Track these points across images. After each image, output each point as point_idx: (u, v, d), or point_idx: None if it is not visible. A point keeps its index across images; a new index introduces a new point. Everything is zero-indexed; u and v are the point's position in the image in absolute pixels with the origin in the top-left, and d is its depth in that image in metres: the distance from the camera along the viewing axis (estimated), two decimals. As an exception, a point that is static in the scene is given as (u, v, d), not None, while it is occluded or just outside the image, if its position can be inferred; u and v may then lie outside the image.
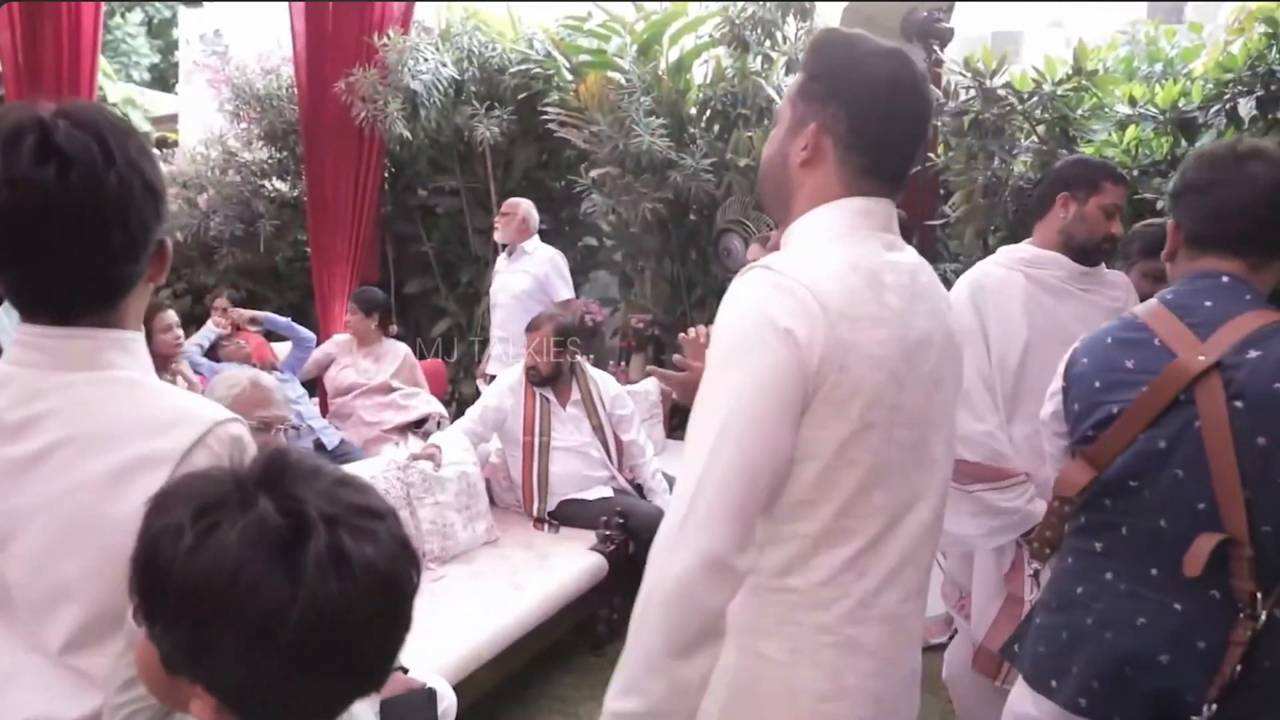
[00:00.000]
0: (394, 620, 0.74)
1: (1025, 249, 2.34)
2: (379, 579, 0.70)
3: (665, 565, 1.05)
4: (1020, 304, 2.22)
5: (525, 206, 4.71)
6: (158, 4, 16.66)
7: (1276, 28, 3.47)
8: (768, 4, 4.98)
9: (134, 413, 0.94)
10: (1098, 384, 1.50)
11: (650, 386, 4.61)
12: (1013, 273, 2.28)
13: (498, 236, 4.73)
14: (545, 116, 5.20)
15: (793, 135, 1.19)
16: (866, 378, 1.08)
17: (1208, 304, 1.44)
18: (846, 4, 4.09)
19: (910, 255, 1.21)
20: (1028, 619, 1.66)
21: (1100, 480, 1.46)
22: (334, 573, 0.67)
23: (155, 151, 8.07)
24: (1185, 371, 1.37)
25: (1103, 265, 2.38)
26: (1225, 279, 1.44)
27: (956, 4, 4.31)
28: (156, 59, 16.59)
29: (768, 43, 5.09)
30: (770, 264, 1.11)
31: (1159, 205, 3.70)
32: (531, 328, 3.62)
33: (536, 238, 4.75)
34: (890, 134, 1.17)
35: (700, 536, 1.03)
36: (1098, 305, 2.23)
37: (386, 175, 5.85)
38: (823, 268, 1.10)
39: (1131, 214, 3.78)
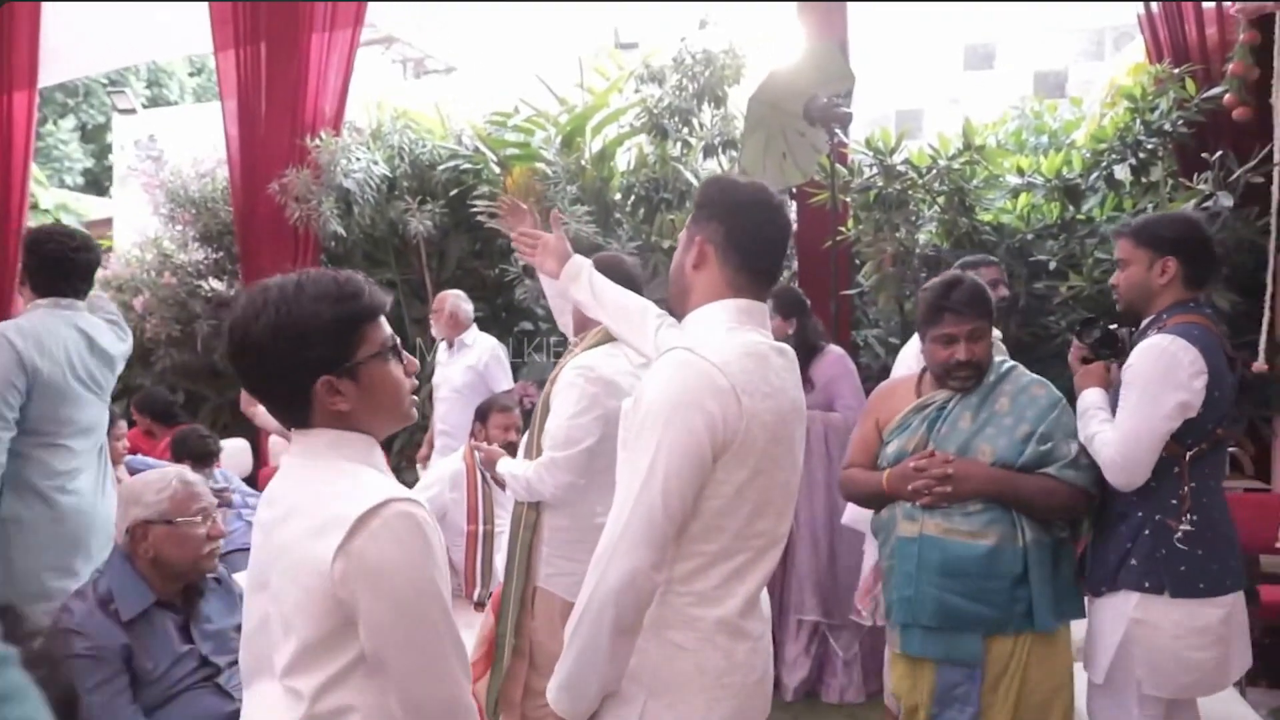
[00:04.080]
0: None
1: None
2: None
3: (601, 578, 1.39)
4: None
5: (452, 300, 4.63)
6: (91, 110, 16.76)
7: (1137, 102, 3.80)
8: (683, 94, 5.27)
9: (333, 487, 1.19)
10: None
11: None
12: None
13: (434, 332, 4.70)
14: (475, 209, 5.38)
15: (686, 250, 1.57)
16: (759, 437, 1.43)
17: None
18: (752, 93, 4.36)
19: (776, 342, 1.56)
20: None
21: None
22: None
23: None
24: None
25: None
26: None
27: (858, 86, 4.61)
28: (90, 163, 16.59)
29: (685, 129, 5.37)
30: (691, 346, 1.44)
31: (1052, 266, 3.98)
32: (503, 408, 3.64)
33: (474, 329, 4.68)
34: (756, 238, 1.54)
35: (627, 557, 1.38)
36: None
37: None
38: (728, 352, 1.44)
39: (1028, 275, 4.05)
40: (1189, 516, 2.07)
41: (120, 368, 2.87)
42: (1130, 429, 2.05)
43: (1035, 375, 2.24)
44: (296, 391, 1.20)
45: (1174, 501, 2.09)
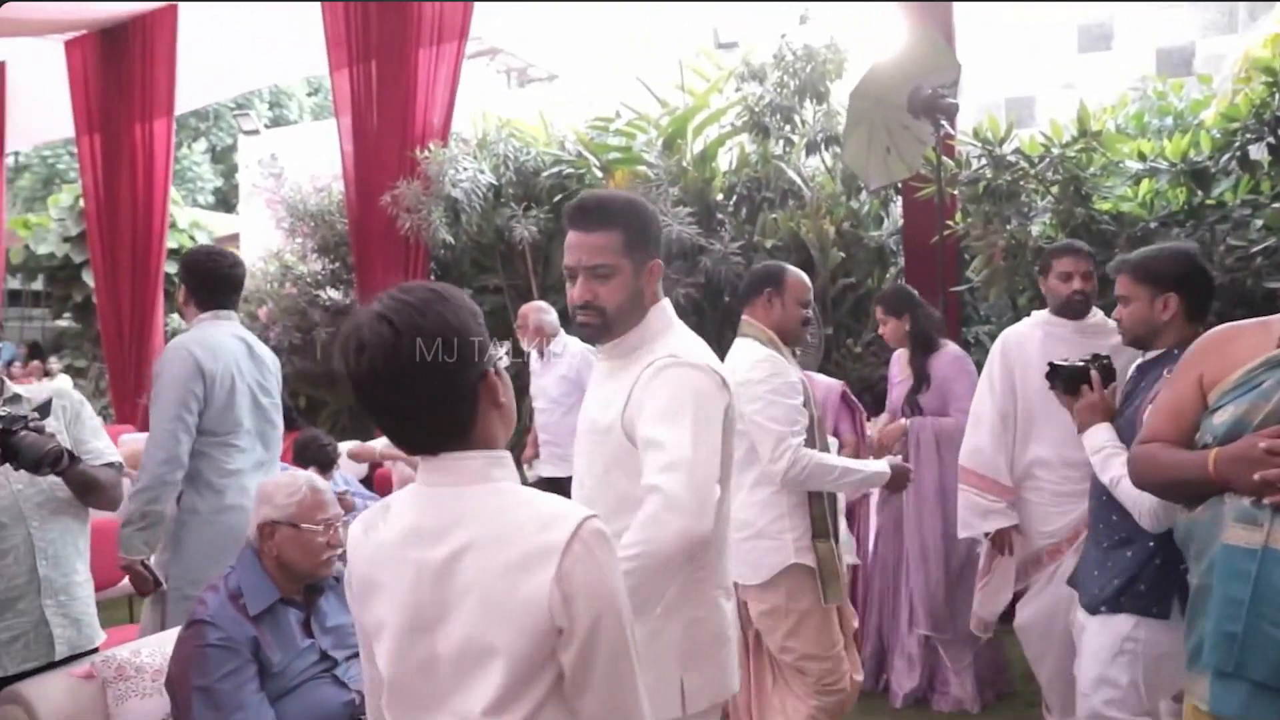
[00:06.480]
0: None
1: (1044, 312, 2.99)
2: None
3: (658, 538, 1.49)
4: (1037, 352, 2.78)
5: (534, 315, 4.52)
6: (220, 133, 17.77)
7: (1276, 75, 3.55)
8: (784, 91, 5.21)
9: (519, 515, 1.16)
10: None
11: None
12: (1034, 329, 2.95)
13: (523, 345, 4.67)
14: (579, 213, 5.43)
15: (638, 277, 1.69)
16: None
17: None
18: (854, 88, 4.28)
19: None
20: None
21: None
22: None
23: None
24: None
25: (1100, 315, 2.85)
26: None
27: (967, 73, 4.46)
28: (219, 183, 17.61)
29: (787, 127, 5.31)
30: (684, 358, 1.65)
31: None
32: None
33: (562, 335, 4.55)
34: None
35: (689, 519, 1.51)
36: (1100, 348, 2.52)
37: (432, 278, 6.14)
38: (707, 355, 1.69)
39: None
40: None
41: (276, 372, 3.08)
42: None
43: None
44: (463, 397, 1.17)
45: None
